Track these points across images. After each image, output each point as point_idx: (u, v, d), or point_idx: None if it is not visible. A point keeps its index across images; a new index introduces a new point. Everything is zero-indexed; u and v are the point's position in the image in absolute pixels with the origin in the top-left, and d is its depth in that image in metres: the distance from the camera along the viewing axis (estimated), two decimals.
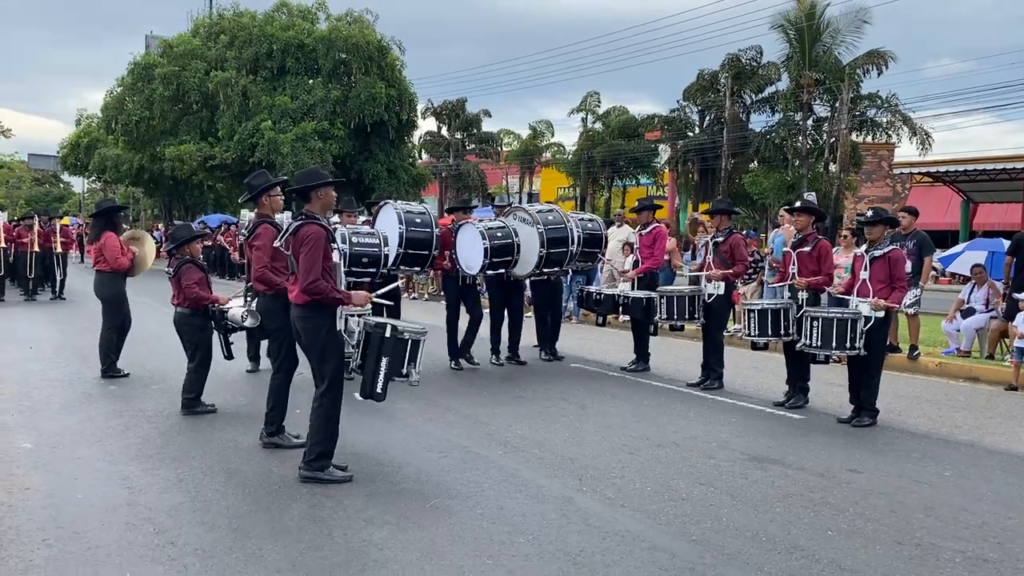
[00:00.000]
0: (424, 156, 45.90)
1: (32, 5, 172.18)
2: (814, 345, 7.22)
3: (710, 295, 8.66)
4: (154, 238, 12.07)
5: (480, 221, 9.77)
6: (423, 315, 13.20)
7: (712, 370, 8.72)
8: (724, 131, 33.40)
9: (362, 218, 9.99)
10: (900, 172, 33.71)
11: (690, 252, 13.85)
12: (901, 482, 5.55)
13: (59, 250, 18.03)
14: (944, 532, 4.63)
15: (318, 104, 31.38)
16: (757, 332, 7.85)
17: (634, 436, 6.63)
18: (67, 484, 5.21)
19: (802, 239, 7.85)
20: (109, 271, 8.77)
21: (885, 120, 31.18)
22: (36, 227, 17.77)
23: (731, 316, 10.53)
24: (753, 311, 7.91)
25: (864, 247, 7.41)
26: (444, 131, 46.84)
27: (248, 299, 7.17)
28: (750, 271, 11.85)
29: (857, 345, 7.01)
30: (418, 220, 8.94)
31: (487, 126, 47.46)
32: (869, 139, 32.90)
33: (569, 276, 13.14)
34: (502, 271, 9.52)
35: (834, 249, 9.64)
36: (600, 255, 10.59)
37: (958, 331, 10.69)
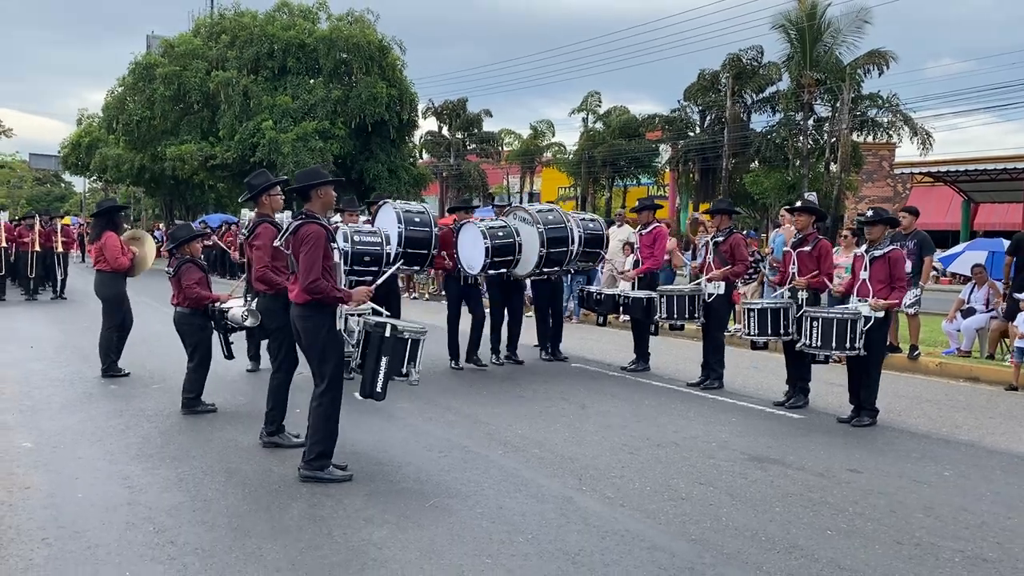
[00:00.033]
0: (425, 156, 45.92)
1: (32, 5, 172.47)
2: (814, 345, 7.22)
3: (710, 295, 8.66)
4: (155, 238, 12.09)
5: (481, 221, 9.77)
6: (423, 315, 13.21)
7: (712, 370, 8.72)
8: (725, 131, 33.41)
9: (363, 218, 9.99)
10: (901, 172, 33.71)
11: (690, 252, 13.85)
12: (901, 482, 5.55)
13: (60, 250, 18.04)
14: (943, 532, 4.63)
15: (319, 104, 31.39)
16: (757, 331, 7.85)
17: (634, 436, 6.64)
18: (67, 483, 5.22)
19: (802, 239, 7.85)
20: (109, 271, 8.78)
21: (886, 120, 31.21)
22: (37, 227, 17.78)
23: (731, 316, 10.53)
24: (753, 310, 7.91)
25: (864, 247, 7.41)
26: (445, 131, 46.88)
27: (248, 299, 7.17)
28: (750, 271, 11.86)
29: (857, 345, 7.01)
30: (417, 219, 8.95)
31: (488, 126, 47.57)
32: (870, 139, 32.92)
33: (570, 276, 13.14)
34: (503, 271, 9.49)
35: (834, 249, 9.64)
36: (602, 255, 10.59)
37: (958, 331, 10.69)
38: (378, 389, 5.35)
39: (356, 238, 8.34)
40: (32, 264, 17.54)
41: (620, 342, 11.51)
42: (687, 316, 8.82)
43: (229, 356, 7.40)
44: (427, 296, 19.07)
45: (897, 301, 7.23)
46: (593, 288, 11.16)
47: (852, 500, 5.14)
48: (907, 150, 46.05)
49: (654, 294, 9.21)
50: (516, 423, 6.98)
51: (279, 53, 32.20)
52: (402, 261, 8.72)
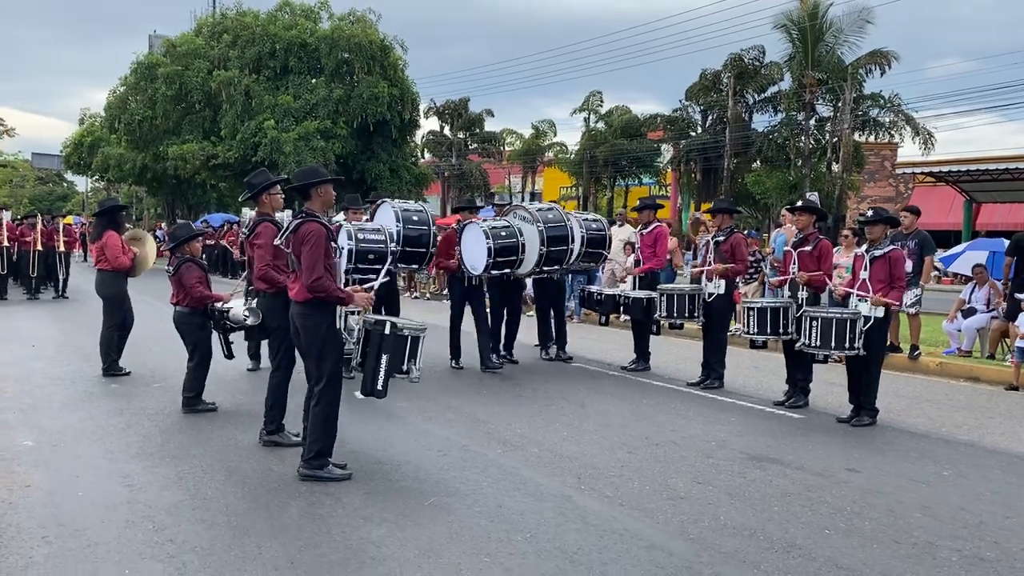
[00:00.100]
0: (427, 155, 45.92)
1: (32, 5, 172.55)
2: (813, 345, 7.22)
3: (710, 294, 8.66)
4: (157, 237, 12.11)
5: (484, 221, 9.76)
6: (424, 314, 13.21)
7: (713, 369, 8.72)
8: (727, 131, 33.39)
9: (364, 217, 9.99)
10: (903, 172, 33.66)
11: (691, 252, 13.85)
12: (899, 481, 5.56)
13: (62, 249, 18.07)
14: (941, 531, 4.63)
15: (321, 103, 31.41)
16: (756, 331, 7.86)
17: (633, 435, 6.64)
18: (68, 481, 5.24)
19: (803, 238, 7.86)
20: (110, 270, 8.80)
21: (888, 120, 31.17)
22: (39, 226, 17.80)
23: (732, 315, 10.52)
24: (753, 309, 7.92)
25: (864, 247, 7.42)
26: (447, 131, 46.86)
27: (248, 298, 7.18)
28: (751, 271, 11.86)
29: (856, 345, 7.01)
30: (415, 218, 8.97)
31: (490, 126, 47.52)
32: (872, 139, 32.89)
33: (570, 276, 13.14)
34: (507, 271, 9.44)
35: (835, 249, 9.64)
36: (605, 255, 10.58)
37: (959, 331, 10.69)
38: (379, 387, 5.37)
39: (360, 236, 8.36)
40: (34, 263, 17.56)
41: (621, 342, 11.51)
42: (687, 315, 8.82)
43: (229, 356, 7.41)
44: (428, 296, 19.08)
45: (896, 300, 7.23)
46: (594, 288, 11.16)
47: (850, 499, 5.14)
48: (909, 150, 45.92)
49: (654, 294, 9.21)
50: (515, 422, 6.99)
51: (281, 52, 32.23)
52: (389, 262, 8.60)
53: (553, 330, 10.47)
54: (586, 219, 10.32)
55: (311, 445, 5.27)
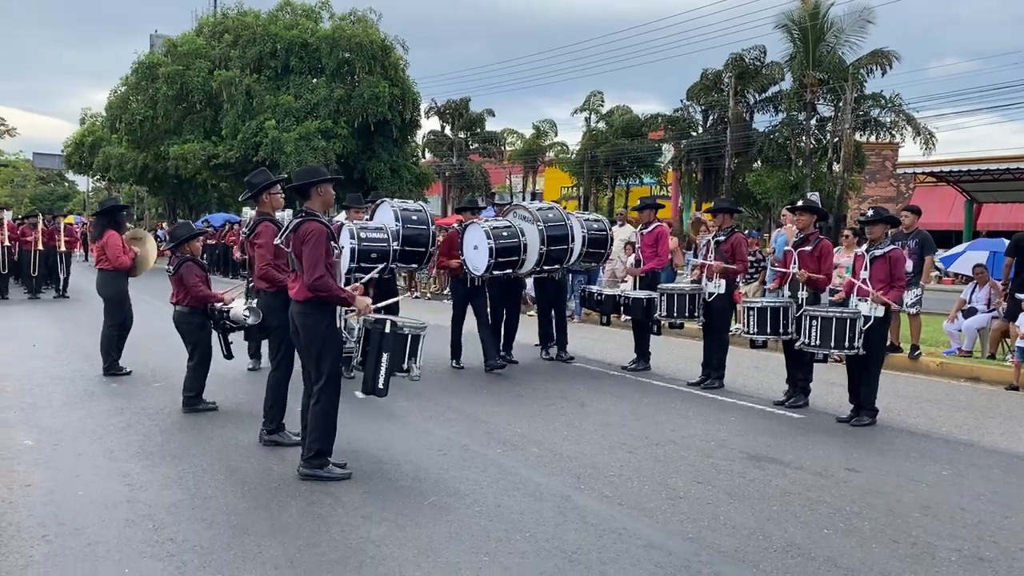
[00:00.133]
0: (427, 155, 45.93)
1: (32, 5, 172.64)
2: (813, 344, 7.22)
3: (711, 294, 8.66)
4: (158, 237, 12.12)
5: (485, 221, 9.75)
6: (425, 314, 13.16)
7: (713, 369, 8.72)
8: (728, 131, 33.38)
9: (364, 216, 10.01)
10: (904, 172, 33.65)
11: (692, 252, 13.84)
12: (899, 481, 5.56)
13: (63, 249, 18.09)
14: (940, 531, 4.63)
15: (321, 103, 31.44)
16: (756, 330, 7.86)
17: (633, 435, 6.65)
18: (68, 481, 5.24)
19: (804, 238, 7.86)
20: (111, 269, 8.82)
21: (889, 120, 31.15)
22: (40, 225, 17.82)
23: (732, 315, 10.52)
24: (753, 309, 7.92)
25: (864, 246, 7.42)
26: (447, 130, 46.86)
27: (249, 297, 7.19)
28: (751, 271, 11.86)
29: (856, 344, 7.01)
30: (414, 217, 8.98)
31: (490, 125, 47.50)
32: (873, 139, 32.86)
33: (571, 275, 13.14)
34: (509, 271, 9.41)
35: (836, 249, 9.64)
36: (606, 255, 10.57)
37: (959, 331, 10.69)
38: (380, 385, 5.39)
39: (362, 235, 8.37)
40: (35, 263, 17.58)
41: (622, 342, 11.51)
42: (687, 315, 8.82)
43: (228, 356, 7.41)
44: (428, 295, 19.09)
45: (895, 300, 7.23)
46: (594, 288, 11.16)
47: (850, 499, 5.14)
48: (910, 150, 45.89)
49: (654, 294, 9.21)
50: (515, 422, 6.99)
51: (282, 52, 32.27)
52: (380, 266, 8.57)
53: (554, 330, 10.47)
54: (587, 219, 10.32)
55: (311, 444, 5.28)
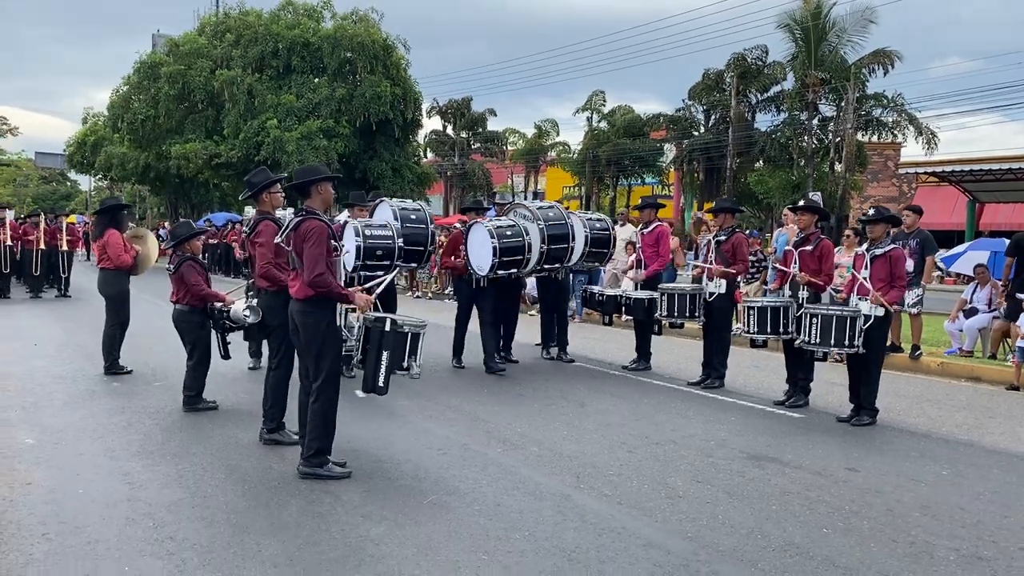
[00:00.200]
0: (429, 155, 45.95)
1: (33, 5, 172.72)
2: (813, 342, 7.22)
3: (711, 294, 8.66)
4: (159, 236, 12.13)
5: (489, 220, 9.74)
6: (426, 313, 13.19)
7: (714, 369, 8.72)
8: (729, 130, 33.35)
9: (366, 215, 10.02)
10: (906, 172, 33.60)
11: (693, 251, 13.85)
12: (898, 481, 5.56)
13: (65, 248, 18.12)
14: (939, 531, 4.63)
15: (323, 103, 31.46)
16: (756, 329, 7.86)
17: (632, 434, 6.65)
18: (68, 479, 5.25)
19: (805, 238, 7.86)
20: (113, 268, 8.83)
21: (891, 120, 31.10)
22: (42, 225, 17.85)
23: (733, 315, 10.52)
24: (753, 309, 7.92)
25: (865, 246, 7.42)
26: (449, 130, 46.88)
27: (249, 296, 7.20)
28: (752, 271, 11.85)
29: (856, 343, 7.01)
30: (413, 216, 8.99)
31: (492, 125, 47.50)
32: (875, 139, 32.80)
33: (572, 275, 13.13)
34: (513, 271, 9.37)
35: (837, 249, 9.64)
36: (609, 255, 10.58)
37: (960, 331, 10.69)
38: (380, 384, 5.40)
39: (367, 232, 8.37)
40: (37, 262, 17.60)
41: (623, 341, 11.51)
42: (688, 315, 8.82)
43: (226, 356, 7.39)
44: (429, 295, 19.09)
45: (895, 300, 7.23)
46: (596, 288, 11.17)
47: (849, 499, 5.15)
48: (912, 150, 45.86)
49: (655, 294, 9.21)
50: (515, 421, 7.00)
51: (284, 52, 32.29)
52: (392, 275, 8.61)
53: (556, 330, 10.46)
54: (590, 218, 10.32)
55: (310, 443, 5.29)
